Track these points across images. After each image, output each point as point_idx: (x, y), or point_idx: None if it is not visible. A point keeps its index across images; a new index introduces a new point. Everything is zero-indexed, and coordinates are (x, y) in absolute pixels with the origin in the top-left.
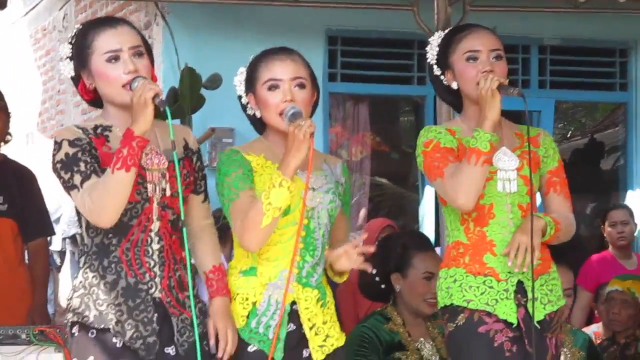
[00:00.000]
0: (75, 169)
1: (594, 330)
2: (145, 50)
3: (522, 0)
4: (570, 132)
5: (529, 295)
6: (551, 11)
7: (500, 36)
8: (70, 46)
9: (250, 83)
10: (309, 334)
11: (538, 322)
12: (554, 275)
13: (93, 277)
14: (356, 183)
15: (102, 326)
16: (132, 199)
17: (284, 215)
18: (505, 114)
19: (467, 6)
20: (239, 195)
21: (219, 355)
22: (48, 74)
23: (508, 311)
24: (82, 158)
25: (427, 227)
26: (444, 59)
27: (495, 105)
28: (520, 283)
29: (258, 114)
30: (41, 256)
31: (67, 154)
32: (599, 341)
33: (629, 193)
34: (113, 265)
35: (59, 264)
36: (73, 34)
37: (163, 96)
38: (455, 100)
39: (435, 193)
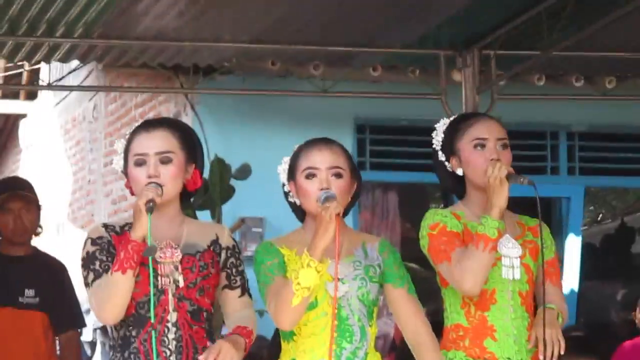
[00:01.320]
0: (91, 267)
1: None
2: (183, 154)
3: (549, 89)
4: (600, 215)
5: None
6: (579, 99)
7: (528, 123)
8: (125, 142)
9: (292, 172)
10: None
11: None
12: None
13: None
14: (386, 239)
15: None
16: (147, 291)
17: (312, 308)
18: (516, 201)
19: (494, 95)
20: (273, 280)
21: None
22: (78, 164)
23: None
24: (99, 257)
25: None
26: (449, 146)
27: (503, 194)
28: None
29: (298, 202)
30: (73, 349)
31: (87, 252)
32: None
33: None
34: (132, 356)
35: (90, 355)
36: (130, 131)
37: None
38: (457, 186)
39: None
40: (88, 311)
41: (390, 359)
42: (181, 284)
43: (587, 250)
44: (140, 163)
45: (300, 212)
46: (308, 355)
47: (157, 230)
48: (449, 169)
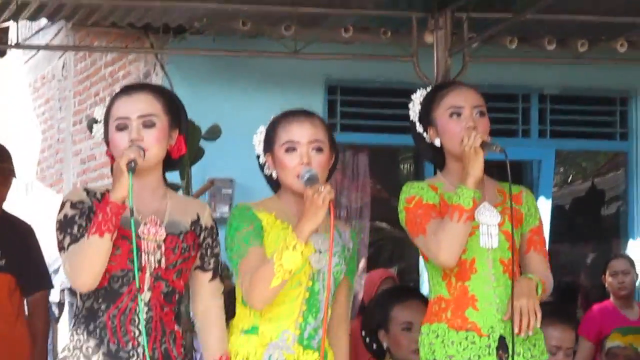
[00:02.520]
0: (69, 230)
1: None
2: (167, 119)
3: (521, 51)
4: (571, 176)
5: (511, 351)
6: (551, 61)
7: (500, 86)
8: (105, 108)
9: (269, 143)
10: None
11: None
12: (537, 330)
13: (77, 340)
14: (355, 229)
15: None
16: (124, 266)
17: None
18: (491, 165)
19: (466, 57)
20: (248, 252)
21: None
22: (47, 123)
23: None
24: (78, 222)
25: None
26: (426, 116)
27: (478, 162)
28: (502, 338)
29: (274, 175)
30: (40, 310)
31: (65, 215)
32: None
33: (630, 242)
34: (98, 330)
35: (57, 316)
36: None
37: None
38: (437, 157)
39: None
40: (56, 271)
41: (359, 320)
42: (163, 264)
43: (557, 213)
44: (121, 127)
45: (275, 185)
46: (273, 324)
47: (140, 202)
48: (427, 140)
